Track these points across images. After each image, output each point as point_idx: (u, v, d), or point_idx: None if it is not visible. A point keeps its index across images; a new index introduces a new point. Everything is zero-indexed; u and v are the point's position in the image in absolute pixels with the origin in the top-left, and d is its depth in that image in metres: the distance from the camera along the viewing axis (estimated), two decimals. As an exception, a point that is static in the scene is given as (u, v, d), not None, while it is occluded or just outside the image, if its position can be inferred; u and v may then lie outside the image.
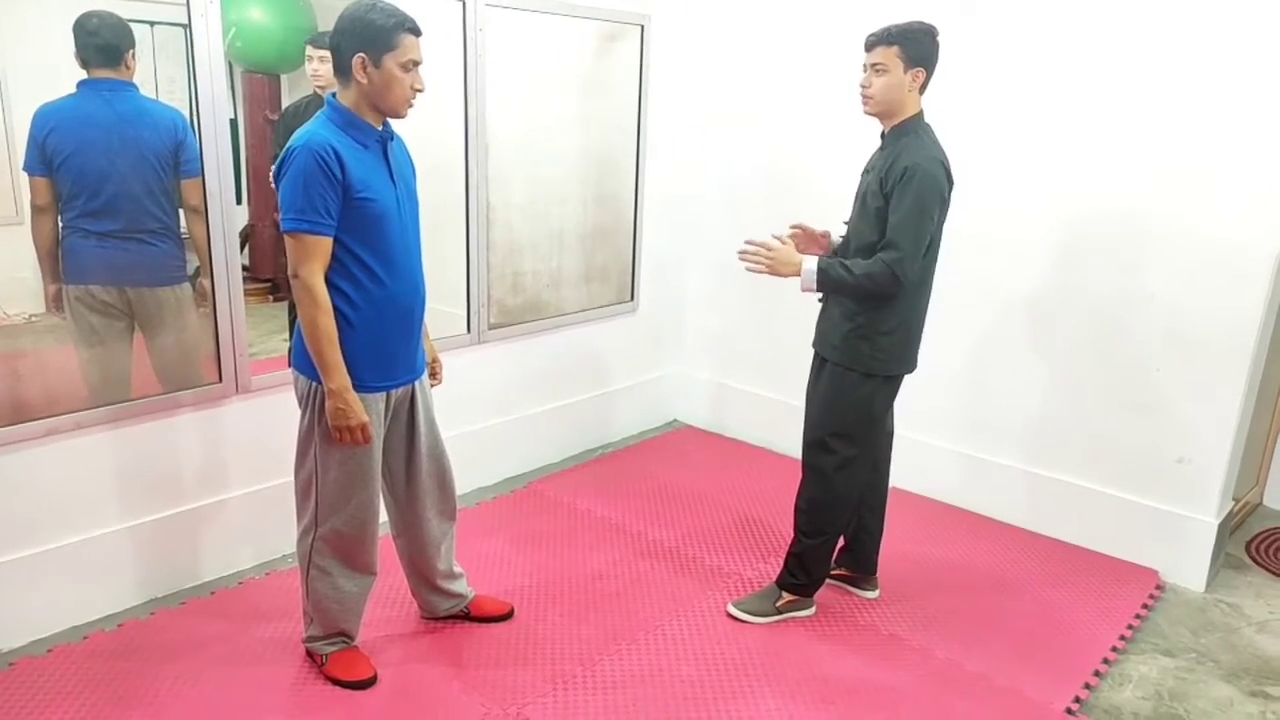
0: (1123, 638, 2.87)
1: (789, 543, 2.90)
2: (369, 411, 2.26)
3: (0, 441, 2.48)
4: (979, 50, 3.37)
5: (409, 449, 2.47)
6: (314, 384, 2.25)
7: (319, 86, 3.32)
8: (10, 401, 2.51)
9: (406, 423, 2.44)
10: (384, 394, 2.32)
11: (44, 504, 2.60)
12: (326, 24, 3.29)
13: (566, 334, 4.01)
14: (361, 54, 2.10)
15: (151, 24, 2.96)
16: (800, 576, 2.87)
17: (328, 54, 3.23)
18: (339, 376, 2.18)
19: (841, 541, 2.96)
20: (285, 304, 3.48)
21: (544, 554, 3.22)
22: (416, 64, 2.16)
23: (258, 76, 3.63)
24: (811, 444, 2.79)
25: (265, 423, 3.02)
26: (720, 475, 3.98)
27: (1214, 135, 2.96)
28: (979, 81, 3.38)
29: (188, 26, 2.62)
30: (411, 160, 2.40)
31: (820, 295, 2.73)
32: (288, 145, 2.13)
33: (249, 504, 3.03)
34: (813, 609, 2.93)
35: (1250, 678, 2.72)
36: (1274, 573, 3.36)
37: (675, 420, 4.65)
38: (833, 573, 3.01)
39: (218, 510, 2.96)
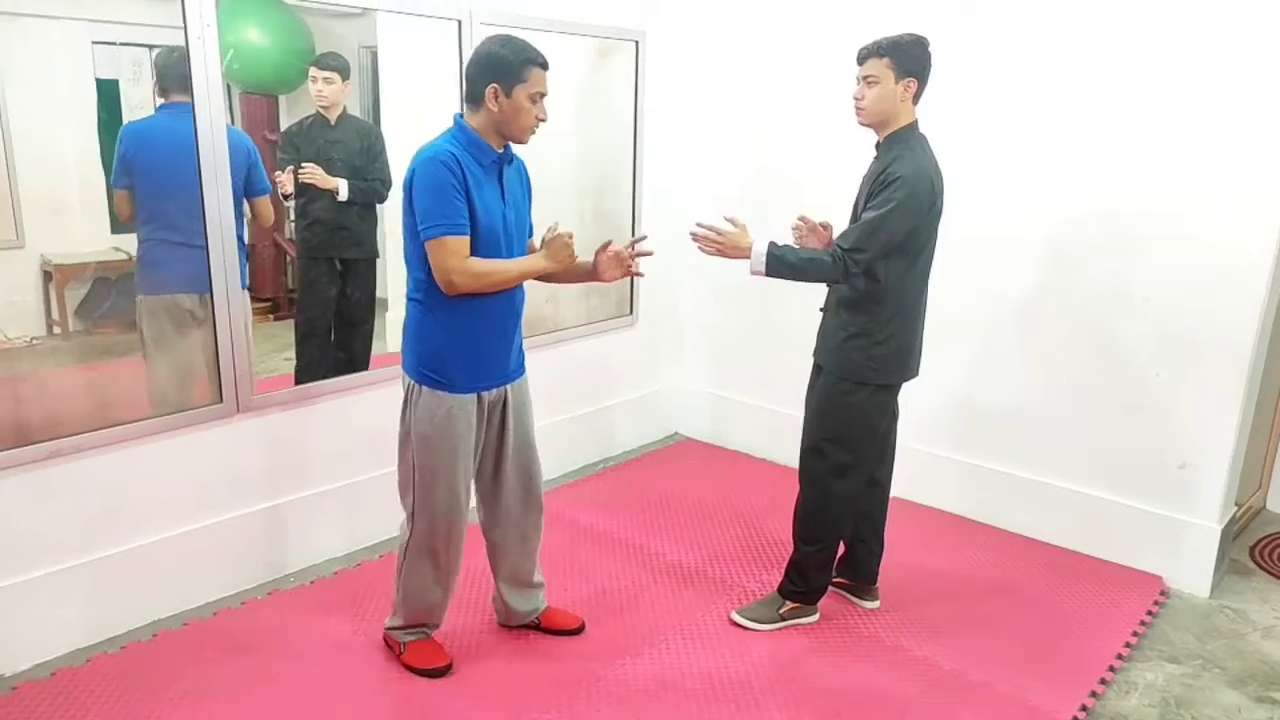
0: (1128, 644, 2.86)
1: (790, 552, 2.90)
2: (460, 412, 2.39)
3: (2, 465, 2.48)
4: (976, 54, 3.38)
5: (498, 448, 2.57)
6: (412, 383, 2.39)
7: (323, 107, 3.35)
8: (12, 425, 2.52)
9: (499, 424, 2.54)
10: (475, 395, 2.42)
11: (45, 527, 2.60)
12: (324, 45, 3.33)
13: (566, 348, 4.02)
14: (495, 84, 2.25)
15: (150, 47, 2.99)
16: (800, 584, 2.87)
17: (333, 75, 3.31)
18: (533, 263, 2.39)
19: (841, 549, 2.96)
20: (291, 323, 3.48)
21: (546, 569, 3.20)
22: (543, 95, 2.32)
23: (256, 97, 3.66)
24: (806, 451, 2.81)
25: (268, 442, 3.02)
26: (721, 487, 3.98)
27: (1211, 138, 2.98)
28: (976, 85, 3.40)
29: (185, 49, 2.63)
30: (529, 183, 2.57)
31: (805, 294, 2.75)
32: (412, 160, 2.27)
33: (253, 524, 3.02)
34: (815, 616, 2.93)
35: (1257, 683, 2.72)
36: (1279, 577, 3.35)
37: (675, 433, 4.65)
38: (833, 580, 3.01)
39: (220, 530, 2.95)
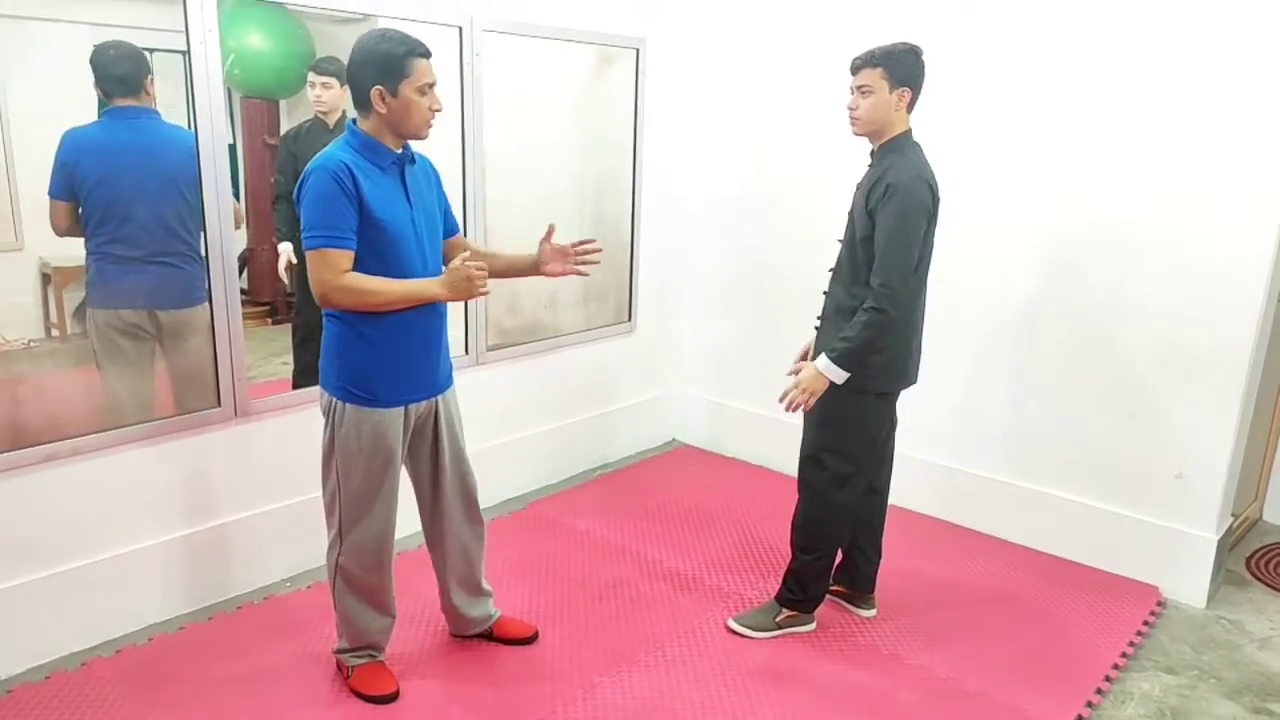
0: (1124, 654, 2.86)
1: (788, 560, 2.90)
2: (386, 426, 2.32)
3: (0, 467, 2.47)
4: (974, 57, 3.40)
5: (434, 464, 2.52)
6: (334, 400, 2.32)
7: (320, 111, 3.35)
8: (10, 427, 2.51)
9: (431, 438, 2.48)
10: (402, 409, 2.36)
11: (42, 530, 2.60)
12: (324, 50, 3.33)
13: (565, 354, 4.02)
14: (379, 85, 2.16)
15: (150, 51, 2.98)
16: (797, 593, 2.87)
17: (330, 80, 3.31)
18: (425, 289, 2.25)
19: (839, 557, 2.96)
20: (289, 327, 3.48)
21: (543, 576, 3.21)
22: (431, 86, 2.22)
23: (256, 102, 3.66)
24: (806, 460, 2.81)
25: (263, 446, 3.02)
26: (719, 494, 3.98)
27: (1210, 148, 2.98)
28: (974, 88, 3.41)
29: (187, 53, 2.64)
30: (438, 179, 2.47)
31: (819, 320, 2.77)
32: (306, 169, 2.19)
33: (247, 528, 3.02)
34: (812, 625, 2.93)
35: (1253, 695, 2.71)
36: (1275, 588, 3.35)
37: (674, 440, 4.65)
38: (830, 588, 3.01)
39: (216, 535, 2.95)
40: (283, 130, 3.59)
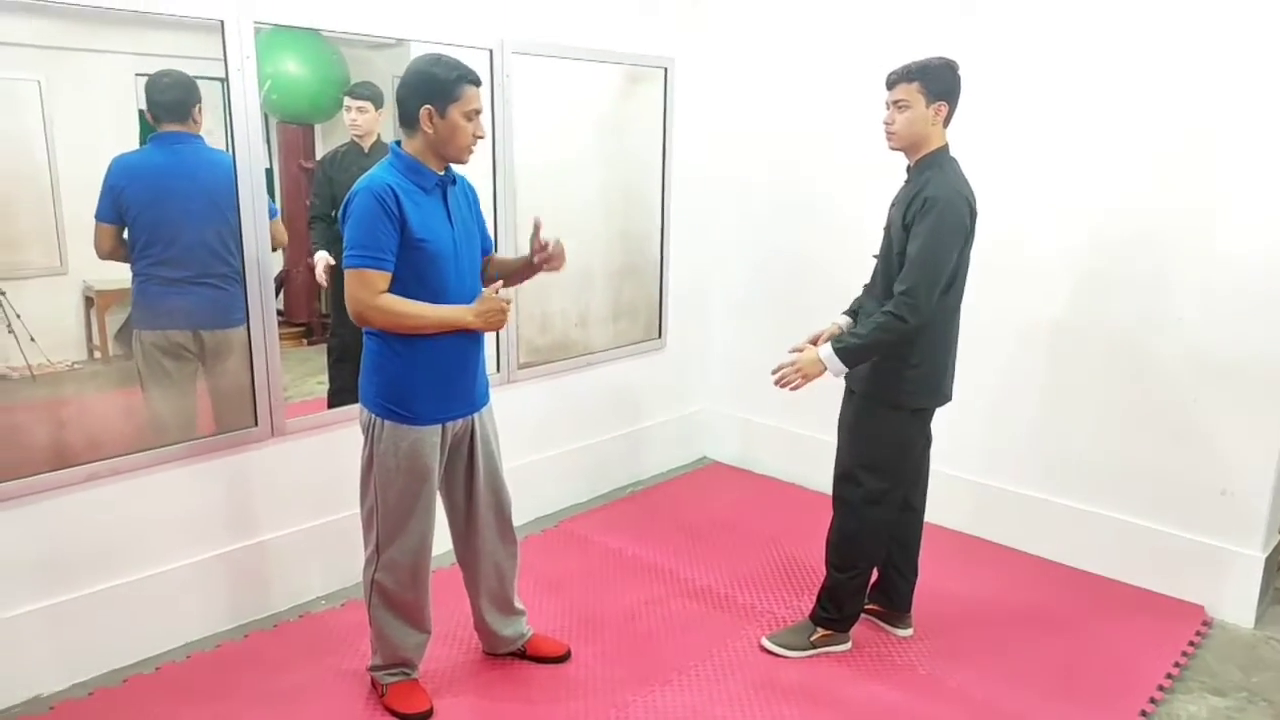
0: (1169, 676, 2.79)
1: (822, 578, 2.87)
2: (424, 444, 2.34)
3: (43, 487, 2.53)
4: (976, 59, 3.38)
5: (469, 481, 2.53)
6: (373, 417, 2.35)
7: (356, 135, 3.41)
8: (54, 447, 2.57)
9: (466, 455, 2.50)
10: (439, 426, 2.38)
11: (84, 548, 2.64)
12: (359, 75, 3.39)
13: (595, 372, 4.03)
14: (429, 106, 2.21)
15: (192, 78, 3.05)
16: (832, 611, 2.84)
17: (366, 104, 3.36)
18: (458, 317, 2.30)
19: (874, 576, 2.93)
20: (324, 347, 3.53)
21: (576, 594, 3.21)
22: (478, 113, 2.28)
23: (292, 126, 3.73)
24: (840, 477, 2.78)
25: (300, 465, 3.05)
26: (752, 512, 3.95)
27: (1245, 155, 2.93)
28: (993, 101, 3.38)
29: (225, 80, 2.70)
30: (476, 201, 2.51)
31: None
32: (351, 189, 2.25)
33: (283, 547, 3.05)
34: (848, 644, 2.89)
35: (1305, 717, 2.64)
36: (1326, 607, 3.26)
37: (705, 457, 4.64)
38: (866, 607, 2.97)
39: (253, 553, 2.99)
40: (318, 154, 3.66)
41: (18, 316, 2.60)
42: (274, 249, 2.93)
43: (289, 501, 3.05)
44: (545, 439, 3.87)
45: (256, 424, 2.92)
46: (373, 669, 2.59)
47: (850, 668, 2.81)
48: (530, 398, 3.76)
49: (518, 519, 3.75)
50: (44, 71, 2.65)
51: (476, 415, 2.49)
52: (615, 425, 4.18)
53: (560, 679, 2.71)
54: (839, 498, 2.79)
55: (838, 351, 2.55)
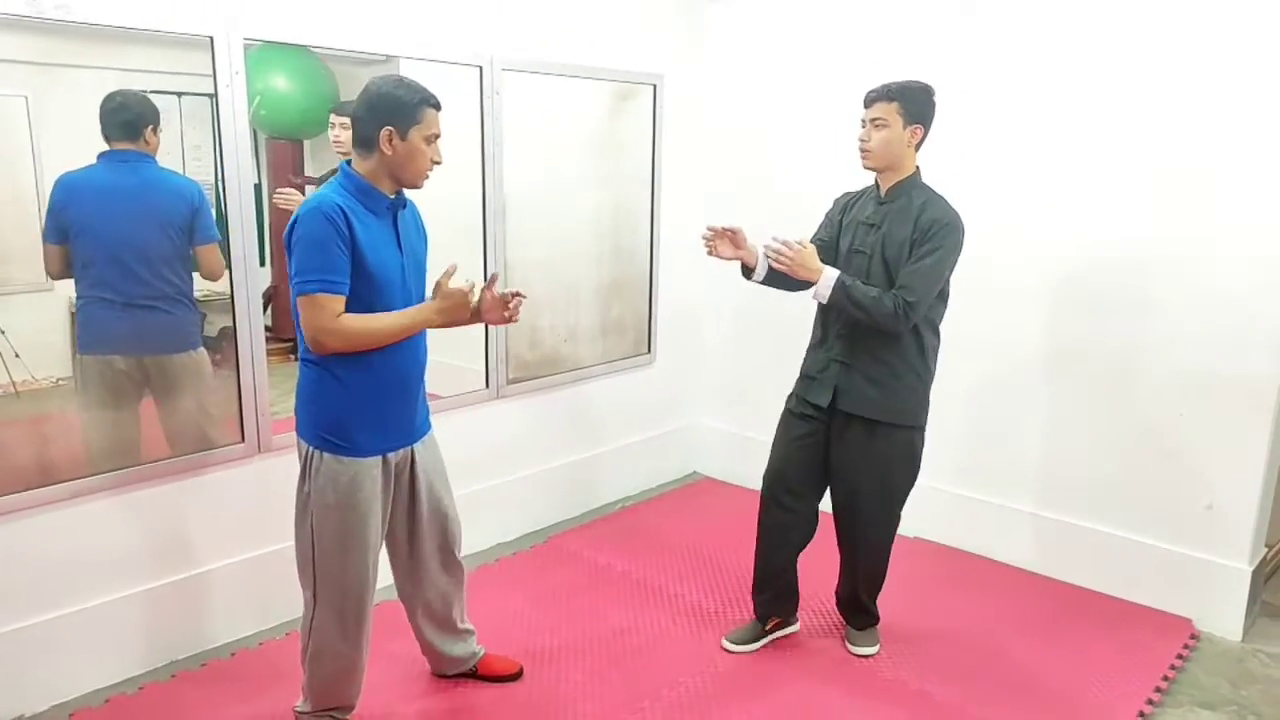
0: (1158, 689, 2.80)
1: (835, 602, 3.00)
2: (364, 477, 2.23)
3: (23, 505, 2.49)
4: (974, 62, 3.41)
5: (410, 513, 2.42)
6: (311, 449, 2.23)
7: (340, 152, 3.40)
8: (35, 465, 2.54)
9: (408, 486, 2.39)
10: (379, 458, 2.27)
11: (68, 568, 2.61)
12: (348, 92, 3.40)
13: (584, 387, 4.03)
14: (390, 127, 2.13)
15: (179, 95, 3.06)
16: (875, 611, 2.98)
17: (350, 121, 3.35)
18: (419, 316, 2.22)
19: (836, 594, 3.02)
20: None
21: (565, 610, 3.19)
22: (437, 137, 2.21)
23: (281, 143, 3.73)
24: (873, 522, 2.79)
25: (288, 482, 3.02)
26: (741, 527, 3.93)
27: (1234, 174, 2.95)
28: (976, 98, 3.42)
29: (214, 97, 2.70)
30: (424, 227, 2.43)
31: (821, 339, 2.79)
32: (296, 211, 2.14)
33: (272, 564, 3.02)
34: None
35: (1293, 730, 2.65)
36: (1312, 620, 3.28)
37: (694, 472, 4.63)
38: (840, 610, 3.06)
39: (242, 570, 2.96)
40: (307, 171, 3.66)
41: (2, 332, 2.58)
42: (206, 277, 2.81)
43: (274, 517, 3.00)
44: (534, 454, 3.86)
45: (243, 440, 2.90)
46: (299, 713, 2.42)
47: (842, 685, 2.80)
48: (520, 413, 3.76)
49: (507, 535, 3.77)
50: (31, 87, 2.65)
51: (416, 445, 2.37)
52: (604, 440, 4.18)
53: (549, 697, 2.68)
54: (870, 541, 2.82)
55: (841, 284, 2.54)
